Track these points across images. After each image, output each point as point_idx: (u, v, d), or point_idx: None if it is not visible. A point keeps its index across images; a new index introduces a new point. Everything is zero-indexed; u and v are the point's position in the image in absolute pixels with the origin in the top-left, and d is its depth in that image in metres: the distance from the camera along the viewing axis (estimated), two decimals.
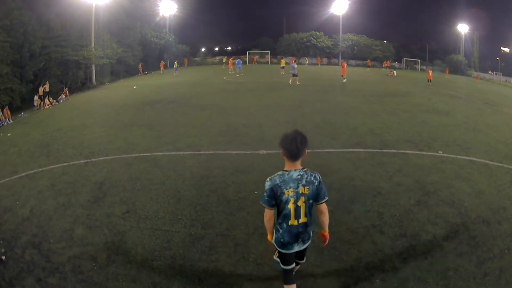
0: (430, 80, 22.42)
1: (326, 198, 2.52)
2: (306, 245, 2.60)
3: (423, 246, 3.66)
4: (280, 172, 2.48)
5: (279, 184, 2.42)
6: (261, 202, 2.50)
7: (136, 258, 3.57)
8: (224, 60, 41.17)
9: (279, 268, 2.74)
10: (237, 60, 26.11)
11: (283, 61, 28.76)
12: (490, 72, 41.43)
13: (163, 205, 4.67)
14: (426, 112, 11.10)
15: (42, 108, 14.99)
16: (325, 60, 45.99)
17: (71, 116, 11.83)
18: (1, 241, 4.01)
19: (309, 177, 2.46)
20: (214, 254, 3.59)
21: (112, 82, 24.78)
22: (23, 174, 6.24)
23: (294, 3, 62.36)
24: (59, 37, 19.57)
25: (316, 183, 2.46)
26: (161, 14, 39.32)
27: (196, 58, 46.54)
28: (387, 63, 43.06)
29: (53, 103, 15.92)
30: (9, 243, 3.96)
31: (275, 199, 2.44)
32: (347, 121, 9.40)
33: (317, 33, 46.43)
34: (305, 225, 2.51)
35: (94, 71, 23.39)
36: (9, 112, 13.38)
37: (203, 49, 53.42)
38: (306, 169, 2.49)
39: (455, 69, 41.87)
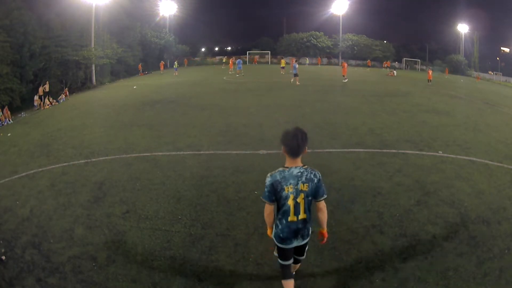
0: (430, 80, 22.43)
1: (325, 196, 2.55)
2: (305, 241, 2.63)
3: (423, 246, 3.66)
4: (280, 169, 2.52)
5: (279, 180, 2.46)
6: (261, 197, 2.55)
7: (136, 258, 3.57)
8: (224, 60, 41.20)
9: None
10: (237, 60, 26.11)
11: (283, 61, 28.76)
12: (490, 72, 41.43)
13: (163, 205, 4.67)
14: (426, 112, 11.10)
15: (42, 108, 14.99)
16: (325, 60, 46.01)
17: (71, 116, 11.83)
18: (1, 241, 4.01)
19: (309, 175, 2.49)
20: (214, 254, 3.59)
21: (112, 82, 24.78)
22: (23, 174, 6.24)
23: (294, 3, 62.49)
24: (59, 37, 19.57)
25: (315, 181, 2.50)
26: (161, 14, 39.34)
27: (196, 58, 46.57)
28: (387, 63, 43.07)
29: (53, 103, 15.92)
30: (9, 243, 3.96)
31: (275, 195, 2.48)
32: (347, 121, 9.40)
33: (317, 33, 46.43)
34: (304, 221, 2.54)
35: (94, 71, 23.39)
36: (9, 112, 13.37)
37: (203, 49, 53.45)
38: (306, 166, 2.53)
39: (455, 69, 41.85)
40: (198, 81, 21.62)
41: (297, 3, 57.48)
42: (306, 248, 2.76)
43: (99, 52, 22.85)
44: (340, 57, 45.28)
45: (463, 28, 45.38)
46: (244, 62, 33.85)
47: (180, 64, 35.12)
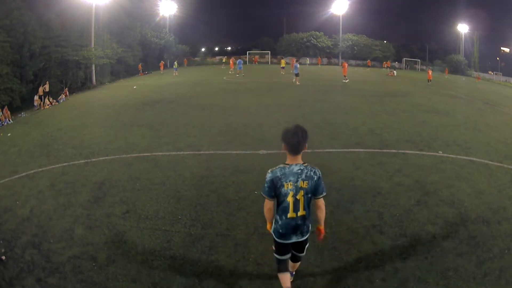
0: (430, 80, 22.43)
1: (324, 193, 2.58)
2: (304, 238, 2.65)
3: (423, 246, 3.66)
4: (281, 165, 2.55)
5: (280, 177, 2.50)
6: (261, 192, 2.59)
7: (136, 258, 3.57)
8: (224, 60, 41.20)
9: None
10: (238, 61, 26.19)
11: (283, 61, 28.77)
12: (490, 72, 41.41)
13: (163, 205, 4.67)
14: (426, 112, 11.10)
15: (42, 108, 14.99)
16: (325, 60, 46.03)
17: (71, 116, 11.83)
18: (1, 241, 4.01)
19: (309, 172, 2.52)
20: (214, 254, 3.59)
21: (112, 82, 24.78)
22: (23, 174, 6.24)
23: (294, 3, 62.51)
24: (59, 37, 19.56)
25: (315, 179, 2.53)
26: (161, 14, 39.32)
27: (196, 58, 46.58)
28: (387, 63, 43.07)
29: (53, 103, 15.91)
30: (9, 243, 3.96)
31: (275, 191, 2.51)
32: (347, 121, 9.41)
33: (317, 33, 46.43)
34: (303, 218, 2.56)
35: (94, 71, 23.38)
36: (9, 112, 13.36)
37: (203, 49, 53.45)
38: (306, 164, 2.56)
39: (455, 69, 41.84)
40: (198, 81, 21.62)
41: (297, 3, 57.55)
42: (307, 246, 2.76)
43: (99, 52, 22.84)
44: (340, 57, 45.30)
45: (463, 28, 45.38)
46: (244, 62, 33.87)
47: (180, 64, 35.11)
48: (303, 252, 2.79)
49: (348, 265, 3.38)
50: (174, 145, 7.42)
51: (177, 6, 40.64)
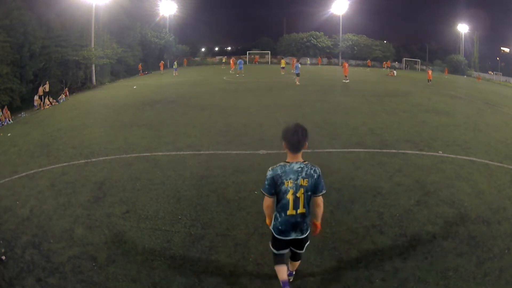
0: (430, 80, 22.43)
1: (324, 191, 2.61)
2: (304, 235, 2.66)
3: (423, 246, 3.66)
4: (282, 163, 2.58)
5: (280, 174, 2.52)
6: (261, 189, 2.61)
7: (136, 258, 3.57)
8: (224, 60, 41.21)
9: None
10: (239, 61, 26.29)
11: (283, 61, 28.77)
12: (490, 72, 41.40)
13: (163, 205, 4.67)
14: (426, 112, 11.10)
15: (42, 108, 14.99)
16: (325, 60, 46.03)
17: (71, 116, 11.83)
18: (1, 241, 4.01)
19: (309, 170, 2.54)
20: (214, 254, 3.59)
21: (112, 82, 24.78)
22: (23, 174, 6.24)
23: (294, 3, 62.56)
24: (59, 37, 19.55)
25: (315, 177, 2.55)
26: (161, 14, 39.31)
27: (196, 58, 46.58)
28: (387, 63, 43.05)
29: (53, 103, 15.91)
30: (9, 243, 3.96)
31: (275, 188, 2.54)
32: (347, 121, 9.41)
33: (317, 33, 46.45)
34: (303, 215, 2.58)
35: (94, 71, 23.38)
36: (8, 112, 13.36)
37: (203, 49, 53.45)
38: (307, 162, 2.58)
39: (455, 69, 41.84)
40: (198, 81, 21.62)
41: (297, 3, 57.58)
42: (307, 243, 2.76)
43: (99, 52, 22.84)
44: (340, 57, 45.30)
45: (463, 28, 45.37)
46: (245, 62, 33.89)
47: (180, 64, 35.11)
48: (302, 249, 2.79)
49: (348, 265, 3.38)
50: (174, 145, 7.42)
51: (177, 6, 40.65)
